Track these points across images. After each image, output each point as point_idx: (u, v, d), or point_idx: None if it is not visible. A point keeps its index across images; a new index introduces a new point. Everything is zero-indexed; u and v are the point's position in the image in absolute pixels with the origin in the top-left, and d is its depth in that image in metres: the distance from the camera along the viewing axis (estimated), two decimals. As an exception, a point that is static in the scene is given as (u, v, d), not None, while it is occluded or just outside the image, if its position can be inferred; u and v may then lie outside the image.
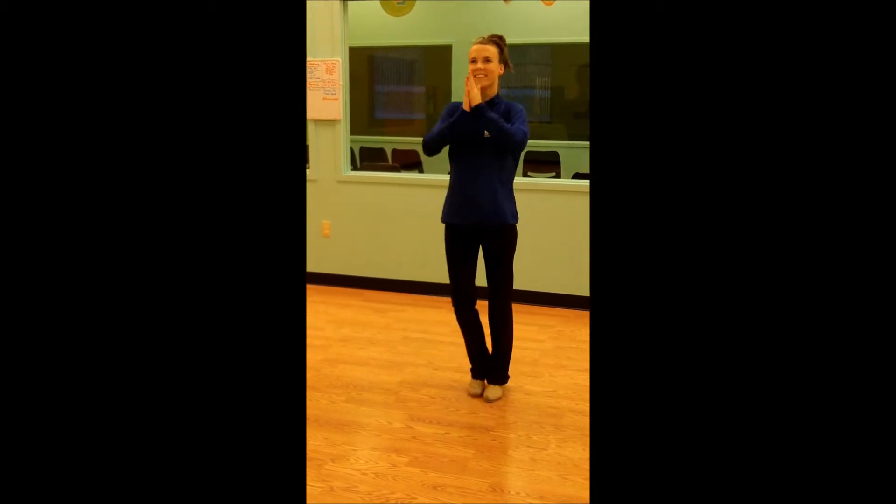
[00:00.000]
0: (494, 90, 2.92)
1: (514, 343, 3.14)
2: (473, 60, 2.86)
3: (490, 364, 3.16)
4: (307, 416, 2.92)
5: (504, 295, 3.04)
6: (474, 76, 2.85)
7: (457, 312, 3.11)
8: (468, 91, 2.81)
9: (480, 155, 2.88)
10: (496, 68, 2.87)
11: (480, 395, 3.14)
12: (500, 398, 3.12)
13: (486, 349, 3.19)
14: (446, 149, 2.98)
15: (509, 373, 3.19)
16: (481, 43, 2.86)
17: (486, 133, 2.83)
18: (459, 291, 3.07)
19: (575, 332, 4.02)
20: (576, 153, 6.34)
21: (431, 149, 2.94)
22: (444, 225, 3.06)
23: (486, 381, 3.19)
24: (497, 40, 2.88)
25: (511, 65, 2.96)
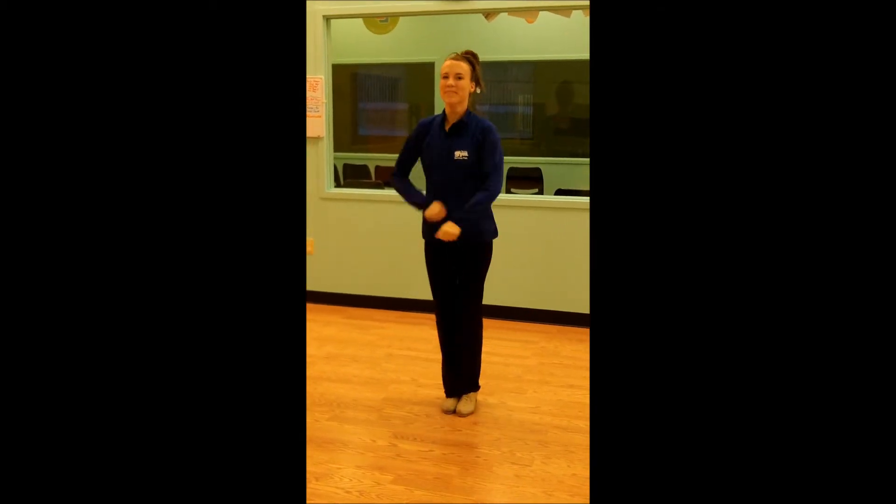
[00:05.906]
0: (464, 107, 2.92)
1: (497, 359, 3.14)
2: (445, 76, 2.87)
3: (461, 376, 3.14)
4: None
5: (474, 308, 3.04)
6: (444, 92, 2.87)
7: (440, 327, 3.12)
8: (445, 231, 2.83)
9: (454, 176, 2.90)
10: (467, 85, 2.88)
11: (454, 412, 3.13)
12: (472, 412, 3.11)
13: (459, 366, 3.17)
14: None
15: (492, 389, 3.18)
16: (454, 59, 2.88)
17: (458, 154, 2.86)
18: (442, 304, 3.08)
19: (558, 348, 4.02)
20: (558, 169, 6.37)
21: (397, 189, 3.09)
22: (424, 240, 3.08)
23: (457, 399, 3.18)
24: (470, 57, 2.90)
25: (483, 84, 2.96)
